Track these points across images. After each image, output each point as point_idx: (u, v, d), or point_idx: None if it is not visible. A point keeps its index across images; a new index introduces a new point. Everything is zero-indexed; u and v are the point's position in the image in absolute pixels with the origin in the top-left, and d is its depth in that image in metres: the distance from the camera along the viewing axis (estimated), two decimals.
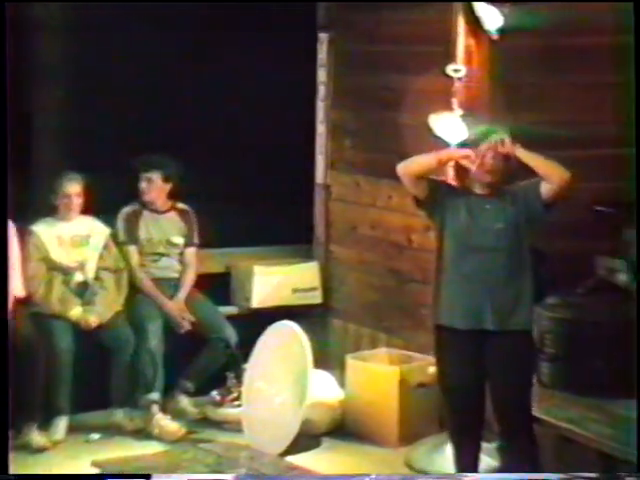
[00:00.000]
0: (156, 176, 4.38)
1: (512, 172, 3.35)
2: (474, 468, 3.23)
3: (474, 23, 3.95)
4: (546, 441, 3.27)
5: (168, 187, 4.43)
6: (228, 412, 4.28)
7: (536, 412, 3.06)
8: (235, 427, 4.14)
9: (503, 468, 3.25)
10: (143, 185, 4.41)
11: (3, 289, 2.38)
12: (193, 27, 4.50)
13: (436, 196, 3.28)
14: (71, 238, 4.31)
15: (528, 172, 4.20)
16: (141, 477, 2.33)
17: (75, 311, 4.22)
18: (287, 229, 4.76)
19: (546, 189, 3.21)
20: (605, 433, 3.10)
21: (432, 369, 4.04)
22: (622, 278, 4.07)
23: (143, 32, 4.45)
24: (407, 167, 3.28)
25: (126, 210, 4.45)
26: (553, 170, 3.17)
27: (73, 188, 4.28)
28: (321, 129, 4.85)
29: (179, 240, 4.47)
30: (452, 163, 3.53)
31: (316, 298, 4.77)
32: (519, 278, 3.16)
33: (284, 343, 4.08)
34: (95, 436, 4.14)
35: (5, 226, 2.38)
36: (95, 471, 2.68)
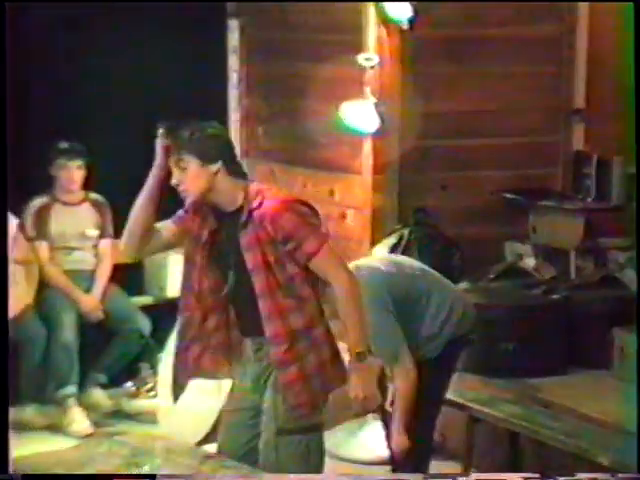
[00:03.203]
0: (80, 165, 4.27)
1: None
2: None
3: (384, 13, 4.00)
4: (458, 422, 3.36)
5: (84, 176, 4.34)
6: (143, 403, 4.25)
7: (448, 395, 3.14)
8: (150, 418, 4.11)
9: None
10: (70, 175, 4.25)
11: (3, 285, 2.30)
12: (100, 16, 4.41)
13: None
14: None
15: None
16: (147, 477, 2.30)
17: None
18: None
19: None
20: (514, 413, 3.20)
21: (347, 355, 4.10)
22: (529, 262, 4.21)
23: (46, 21, 4.35)
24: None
25: (35, 204, 4.31)
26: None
27: None
28: (234, 117, 4.84)
29: (93, 232, 4.37)
30: None
31: None
32: None
33: None
34: None
35: (5, 224, 2.30)
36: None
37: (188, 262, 2.58)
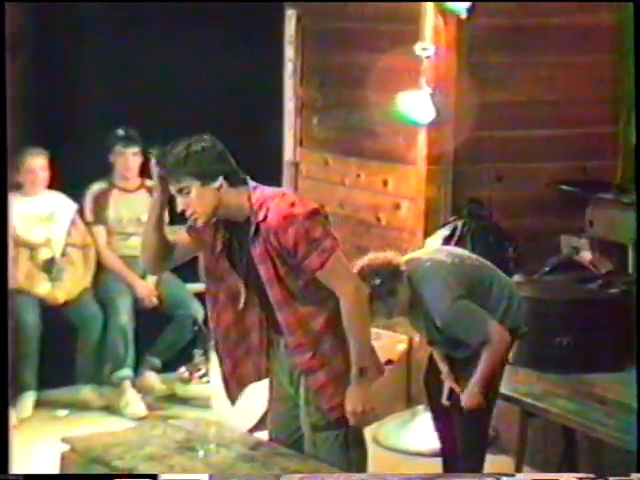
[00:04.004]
0: (138, 151, 4.33)
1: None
2: None
3: (442, 3, 3.97)
4: (511, 416, 3.34)
5: (140, 163, 4.40)
6: (196, 389, 4.31)
7: (501, 388, 3.12)
8: (203, 403, 4.17)
9: None
10: (126, 161, 4.31)
11: (3, 281, 2.35)
12: (160, 3, 4.46)
13: None
14: (37, 214, 4.27)
15: None
16: (148, 477, 2.35)
17: (42, 287, 4.19)
18: None
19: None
20: (569, 408, 3.17)
21: (401, 346, 4.10)
22: (586, 256, 4.15)
23: (109, 5, 4.41)
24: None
25: (94, 190, 4.39)
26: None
27: (38, 162, 4.23)
28: (290, 106, 4.85)
29: None
30: None
31: None
32: None
33: None
34: (63, 412, 4.14)
35: (5, 221, 2.34)
36: (64, 447, 2.69)
37: (207, 273, 2.56)
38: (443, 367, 3.06)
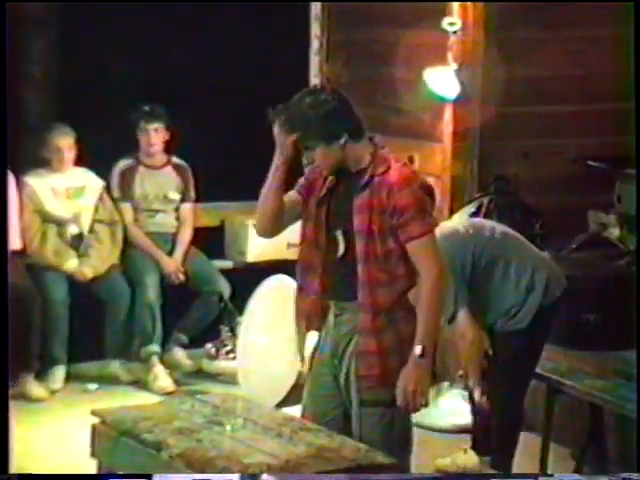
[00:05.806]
0: (161, 128, 4.34)
1: None
2: None
3: None
4: (537, 394, 3.34)
5: (166, 140, 4.41)
6: (223, 364, 4.35)
7: None
8: (230, 379, 4.20)
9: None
10: (148, 137, 4.33)
11: (3, 277, 2.37)
12: None
13: None
14: (66, 190, 4.31)
15: None
16: (143, 477, 2.37)
17: (70, 263, 4.24)
18: None
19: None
20: (596, 385, 3.16)
21: None
22: (614, 232, 4.12)
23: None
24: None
25: (121, 166, 4.42)
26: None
27: (65, 141, 4.25)
28: (315, 83, 4.83)
29: (175, 196, 4.46)
30: None
31: None
32: None
33: (279, 297, 4.11)
34: (93, 386, 4.20)
35: (5, 217, 2.35)
36: (94, 420, 2.73)
37: (305, 214, 2.58)
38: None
